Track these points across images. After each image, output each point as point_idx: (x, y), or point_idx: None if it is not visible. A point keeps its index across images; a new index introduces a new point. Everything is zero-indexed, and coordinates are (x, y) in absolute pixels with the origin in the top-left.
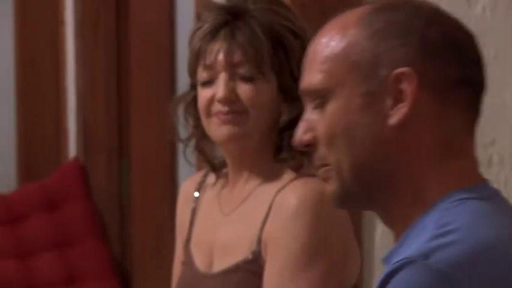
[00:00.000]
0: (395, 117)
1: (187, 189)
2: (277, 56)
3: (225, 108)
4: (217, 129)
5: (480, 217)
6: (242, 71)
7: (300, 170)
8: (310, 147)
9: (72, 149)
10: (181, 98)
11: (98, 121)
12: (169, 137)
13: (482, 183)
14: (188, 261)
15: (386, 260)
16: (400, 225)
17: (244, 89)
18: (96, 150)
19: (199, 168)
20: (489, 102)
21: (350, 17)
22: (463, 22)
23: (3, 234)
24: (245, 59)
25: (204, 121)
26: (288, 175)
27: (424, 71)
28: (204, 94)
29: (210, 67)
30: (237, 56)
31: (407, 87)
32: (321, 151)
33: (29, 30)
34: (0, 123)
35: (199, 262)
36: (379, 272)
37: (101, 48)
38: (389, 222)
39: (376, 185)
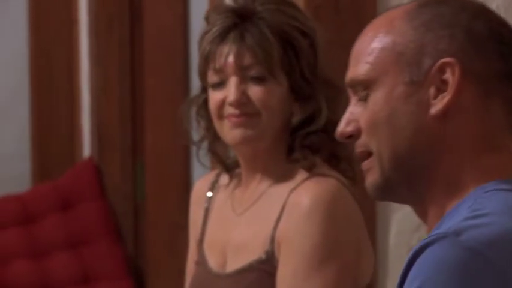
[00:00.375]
0: (438, 106)
1: (200, 189)
2: (287, 56)
3: (237, 111)
4: (229, 132)
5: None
6: (252, 73)
7: (312, 170)
8: (352, 139)
9: (86, 148)
10: (193, 100)
11: (112, 120)
12: (182, 141)
13: None
14: (201, 261)
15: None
16: (433, 217)
17: (255, 91)
18: (110, 150)
19: (213, 168)
20: None
21: (396, 12)
22: (505, 19)
23: (17, 234)
24: (255, 61)
25: (216, 124)
26: (301, 175)
27: (469, 63)
28: (215, 97)
29: (220, 70)
30: (247, 59)
31: (451, 77)
32: (363, 139)
33: (43, 29)
34: (15, 124)
35: (213, 262)
36: (393, 272)
37: (115, 47)
38: (423, 213)
39: (415, 174)
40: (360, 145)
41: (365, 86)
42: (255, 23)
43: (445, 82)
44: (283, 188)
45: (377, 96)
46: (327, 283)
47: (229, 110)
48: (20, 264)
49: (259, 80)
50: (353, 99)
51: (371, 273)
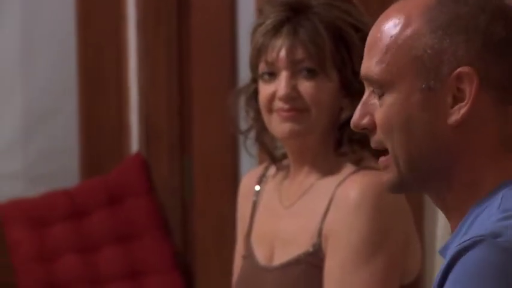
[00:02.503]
0: (455, 116)
1: (248, 183)
2: (339, 52)
3: (287, 106)
4: (278, 125)
5: None
6: (304, 68)
7: (360, 164)
8: (366, 131)
9: (134, 143)
10: (242, 90)
11: (160, 115)
12: (230, 129)
13: None
14: (249, 254)
15: (444, 250)
16: (455, 213)
17: (305, 87)
18: (158, 145)
19: (260, 162)
20: None
21: (414, 3)
22: None
23: (67, 228)
24: (307, 56)
25: (266, 117)
26: (348, 168)
27: (486, 70)
28: (265, 90)
29: (271, 63)
30: (299, 53)
31: (468, 87)
32: (378, 136)
33: (91, 24)
34: (64, 118)
35: (260, 255)
36: (440, 264)
37: (163, 42)
38: (444, 208)
39: (433, 176)
40: (375, 141)
41: (380, 86)
42: (308, 18)
43: (462, 91)
44: (331, 182)
45: (392, 99)
46: (375, 276)
47: (278, 104)
48: (69, 259)
49: (310, 74)
50: (368, 90)
51: (419, 266)
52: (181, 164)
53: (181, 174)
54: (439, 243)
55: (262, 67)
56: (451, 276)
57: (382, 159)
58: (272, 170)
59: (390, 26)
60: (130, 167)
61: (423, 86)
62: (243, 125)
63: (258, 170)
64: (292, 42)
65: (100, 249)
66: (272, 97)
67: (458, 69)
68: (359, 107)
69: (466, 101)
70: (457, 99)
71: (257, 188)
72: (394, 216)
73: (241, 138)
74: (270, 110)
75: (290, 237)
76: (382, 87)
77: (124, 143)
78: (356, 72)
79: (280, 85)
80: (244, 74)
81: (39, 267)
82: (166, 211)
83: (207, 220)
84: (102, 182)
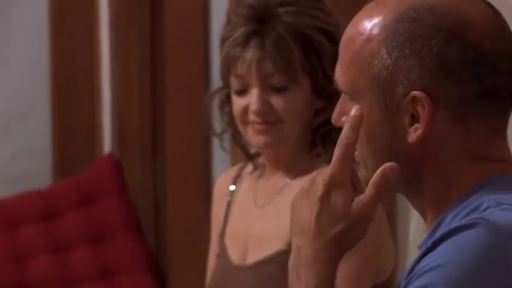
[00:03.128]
0: (412, 135)
1: (223, 183)
2: (309, 60)
3: (260, 119)
4: (253, 138)
5: None
6: (274, 81)
7: None
8: None
9: (106, 144)
10: (215, 93)
11: (133, 116)
12: (203, 131)
13: None
14: (222, 253)
15: (423, 245)
16: (431, 213)
17: (277, 100)
18: (130, 146)
19: (234, 163)
20: None
21: (378, 15)
22: (490, 23)
23: (39, 229)
24: (276, 69)
25: (241, 128)
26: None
27: (440, 91)
28: (238, 103)
29: (242, 77)
30: (268, 66)
31: (421, 111)
32: None
33: (64, 26)
34: (36, 120)
35: (234, 254)
36: None
37: (135, 43)
38: (419, 209)
39: (402, 183)
40: None
41: (347, 94)
42: (275, 28)
43: (417, 112)
44: (305, 182)
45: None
46: (349, 275)
47: (252, 117)
48: (41, 260)
49: (281, 88)
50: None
51: (392, 266)
52: (153, 164)
53: (153, 175)
54: (411, 243)
55: (233, 82)
56: (439, 249)
57: (355, 154)
58: (248, 168)
59: (355, 38)
60: (102, 167)
61: (382, 104)
62: (218, 125)
63: (233, 170)
64: (261, 55)
65: (72, 250)
66: (245, 110)
67: (412, 93)
68: (337, 104)
69: (421, 124)
70: (415, 119)
71: (232, 187)
72: None
73: (214, 139)
74: (245, 122)
75: (264, 236)
76: (349, 96)
77: (96, 143)
78: (327, 75)
79: (252, 100)
80: (217, 75)
81: (11, 268)
82: (139, 212)
83: (179, 221)
84: (74, 183)
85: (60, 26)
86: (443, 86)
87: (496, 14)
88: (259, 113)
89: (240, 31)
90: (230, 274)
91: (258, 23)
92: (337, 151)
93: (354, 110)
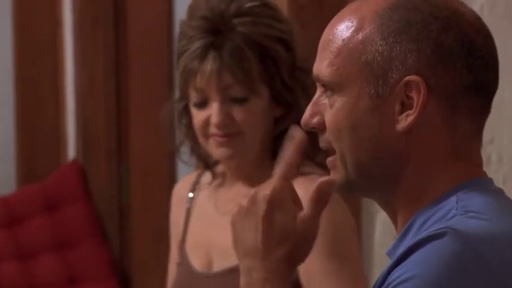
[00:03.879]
0: (403, 123)
1: (181, 190)
2: (267, 69)
3: (221, 132)
4: (215, 150)
5: (495, 205)
6: (234, 93)
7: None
8: (316, 130)
9: (71, 150)
10: (173, 106)
11: (97, 122)
12: (164, 145)
13: (488, 179)
14: (183, 261)
15: (392, 251)
16: (402, 217)
17: (238, 112)
18: (95, 152)
19: (197, 169)
20: None
21: (368, 8)
22: (480, 21)
23: (3, 236)
24: (235, 81)
25: (202, 141)
26: None
27: (435, 78)
28: (198, 117)
29: (202, 90)
30: (228, 79)
31: (416, 96)
32: (327, 136)
33: (28, 31)
34: (0, 126)
35: (197, 262)
36: (378, 269)
37: (99, 48)
38: (391, 212)
39: (380, 180)
40: (323, 141)
41: (330, 88)
42: (232, 39)
43: (410, 98)
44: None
45: (342, 103)
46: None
47: (213, 129)
48: (5, 267)
49: (241, 100)
50: (318, 90)
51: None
52: (118, 171)
53: (118, 181)
54: (376, 250)
55: (192, 95)
56: (410, 260)
57: (329, 159)
58: (206, 177)
59: (343, 29)
60: (66, 174)
61: (372, 91)
62: (178, 137)
63: (192, 176)
64: (219, 67)
65: (37, 257)
66: (206, 123)
67: (407, 78)
68: (309, 106)
69: (413, 110)
70: (405, 107)
71: (190, 195)
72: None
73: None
74: (206, 135)
75: (229, 244)
76: (332, 89)
77: (61, 150)
78: (285, 83)
79: (213, 112)
80: None
81: None
82: (104, 218)
83: (144, 227)
84: (38, 189)
85: (23, 31)
86: (438, 73)
87: (479, 17)
88: (221, 126)
89: (197, 44)
90: (195, 282)
91: (213, 35)
92: (280, 169)
93: (297, 132)
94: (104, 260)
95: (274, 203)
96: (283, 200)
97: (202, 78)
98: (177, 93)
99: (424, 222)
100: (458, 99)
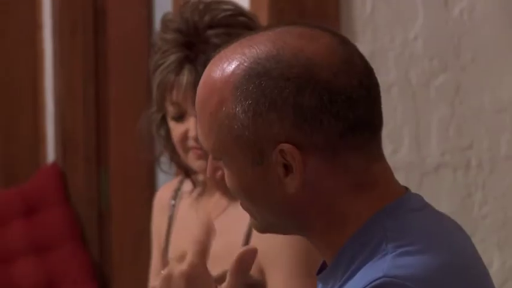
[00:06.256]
0: (289, 187)
1: (164, 196)
2: None
3: (200, 145)
4: (194, 163)
5: (427, 228)
6: None
7: None
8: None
9: (50, 154)
10: (150, 117)
11: (77, 126)
12: (143, 155)
13: (407, 195)
14: None
15: (323, 279)
16: (327, 251)
17: None
18: (74, 155)
19: (177, 174)
20: (467, 105)
21: (227, 77)
22: (336, 51)
23: None
24: None
25: (181, 153)
26: None
27: (306, 138)
28: (177, 130)
29: (178, 104)
30: None
31: (292, 161)
32: None
33: (7, 34)
34: None
35: None
36: None
37: (79, 53)
38: (316, 248)
39: (292, 228)
40: None
41: (215, 157)
42: (206, 52)
43: (289, 162)
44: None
45: (229, 171)
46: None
47: (191, 142)
48: None
49: None
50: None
51: None
52: (97, 175)
53: (97, 185)
54: None
55: (169, 108)
56: None
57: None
58: (187, 185)
59: (208, 100)
60: (46, 177)
61: (252, 162)
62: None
63: (173, 183)
64: (195, 81)
65: (16, 260)
66: (185, 136)
67: (279, 147)
68: (209, 161)
69: (294, 173)
70: (288, 169)
71: (172, 202)
72: None
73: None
74: (185, 149)
75: (213, 254)
76: (219, 159)
77: (40, 153)
78: None
79: (191, 126)
80: None
81: None
82: (83, 222)
83: (123, 231)
84: (17, 193)
85: (2, 36)
86: (307, 133)
87: (341, 42)
88: (199, 139)
89: (172, 58)
90: None
91: (188, 49)
92: (194, 247)
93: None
94: (83, 264)
95: (192, 276)
96: (202, 272)
97: (179, 92)
98: (154, 105)
99: (352, 256)
100: (336, 146)
